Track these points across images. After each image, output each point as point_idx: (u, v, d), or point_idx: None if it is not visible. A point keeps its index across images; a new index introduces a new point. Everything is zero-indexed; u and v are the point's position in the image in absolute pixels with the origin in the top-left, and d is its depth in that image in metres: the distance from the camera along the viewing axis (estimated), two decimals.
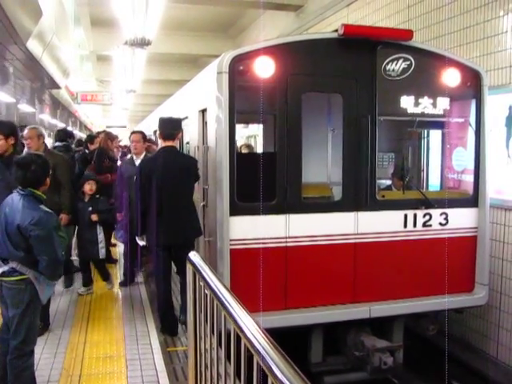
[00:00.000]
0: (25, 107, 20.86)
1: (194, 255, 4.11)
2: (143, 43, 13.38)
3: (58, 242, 4.61)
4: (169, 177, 6.46)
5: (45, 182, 4.78)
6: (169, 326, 6.71)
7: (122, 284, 8.76)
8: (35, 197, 4.63)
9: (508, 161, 7.31)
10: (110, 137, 10.48)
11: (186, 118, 8.32)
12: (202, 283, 3.82)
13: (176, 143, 6.90)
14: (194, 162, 6.78)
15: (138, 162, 8.12)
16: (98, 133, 12.33)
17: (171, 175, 6.47)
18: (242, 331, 2.75)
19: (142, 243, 7.04)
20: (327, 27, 12.71)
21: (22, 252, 4.52)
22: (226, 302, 3.13)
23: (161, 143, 6.87)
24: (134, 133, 9.02)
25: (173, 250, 6.59)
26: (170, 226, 6.47)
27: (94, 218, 7.87)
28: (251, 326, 2.71)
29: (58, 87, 16.78)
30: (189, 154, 7.29)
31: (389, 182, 8.05)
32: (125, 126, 46.62)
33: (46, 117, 27.17)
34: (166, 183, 6.44)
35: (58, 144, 9.77)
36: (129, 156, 9.38)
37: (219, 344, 3.46)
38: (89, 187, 8.00)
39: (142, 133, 8.95)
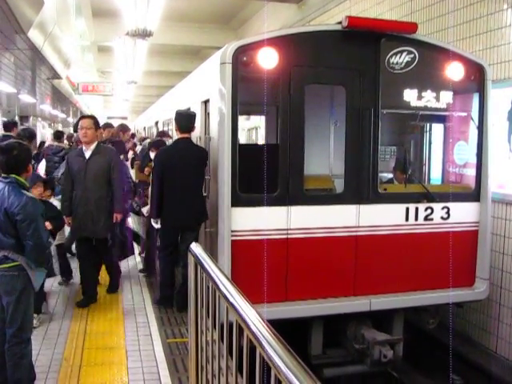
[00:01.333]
0: (26, 97, 20.85)
1: (195, 246, 4.10)
2: (145, 34, 13.31)
3: (43, 228, 4.68)
4: (184, 165, 6.83)
5: (27, 169, 4.83)
6: (167, 298, 7.32)
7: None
8: (19, 184, 4.67)
9: (510, 155, 7.29)
10: (122, 128, 10.38)
11: (189, 108, 8.31)
12: (203, 275, 3.81)
13: (191, 135, 7.22)
14: (206, 151, 7.06)
15: (88, 153, 7.22)
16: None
17: (187, 163, 6.85)
18: (245, 323, 2.74)
19: (157, 226, 7.26)
20: (329, 19, 12.65)
21: (12, 239, 4.56)
22: (228, 293, 3.11)
23: (177, 135, 7.26)
24: (83, 118, 7.63)
25: (181, 233, 7.09)
26: (185, 208, 6.86)
27: (48, 226, 6.55)
28: (254, 318, 2.70)
29: (59, 77, 16.74)
30: (200, 145, 7.33)
31: (391, 175, 8.03)
32: (126, 117, 46.58)
33: (46, 107, 27.17)
34: (182, 170, 6.81)
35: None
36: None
37: (220, 337, 3.45)
38: (37, 192, 6.66)
39: (93, 118, 7.64)
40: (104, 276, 8.15)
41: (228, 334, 3.23)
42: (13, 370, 4.64)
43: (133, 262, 9.49)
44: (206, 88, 7.14)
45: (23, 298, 4.67)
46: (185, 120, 7.13)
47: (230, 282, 3.23)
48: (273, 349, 2.35)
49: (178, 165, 6.84)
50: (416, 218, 6.70)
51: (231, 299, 3.03)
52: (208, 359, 3.78)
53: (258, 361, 2.55)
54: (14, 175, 4.66)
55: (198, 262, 3.88)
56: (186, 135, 7.08)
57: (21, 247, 4.58)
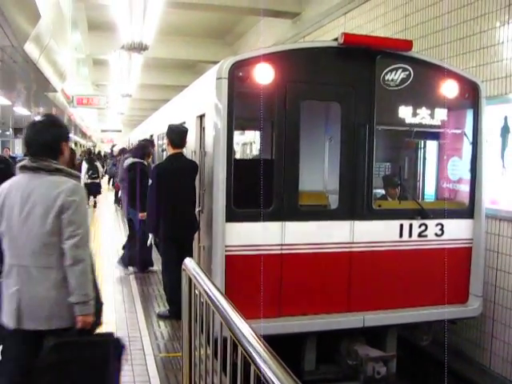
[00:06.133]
0: (20, 110, 20.83)
1: (189, 261, 4.10)
2: (140, 48, 13.31)
3: None
4: (178, 179, 7.00)
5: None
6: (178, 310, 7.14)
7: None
8: None
9: (503, 171, 7.32)
10: None
11: (184, 123, 8.33)
12: (197, 291, 3.80)
13: (183, 150, 7.42)
14: (196, 163, 7.32)
15: None
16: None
17: (180, 177, 7.03)
18: (239, 339, 2.73)
19: (149, 242, 7.60)
20: (324, 35, 12.74)
21: None
22: (222, 309, 3.11)
23: (169, 150, 7.39)
24: None
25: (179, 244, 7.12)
26: (184, 221, 7.04)
27: None
28: (248, 334, 2.69)
29: (54, 90, 16.71)
30: (190, 158, 7.44)
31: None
32: (120, 131, 46.60)
33: None
34: (176, 184, 6.97)
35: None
36: None
37: (214, 352, 3.43)
38: None
39: None
40: None
41: (222, 350, 3.22)
42: None
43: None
44: (202, 103, 7.17)
45: None
46: (178, 135, 7.29)
47: (224, 297, 3.23)
48: (267, 365, 2.33)
49: (176, 179, 6.99)
50: (410, 235, 6.71)
51: (225, 314, 3.03)
52: (201, 375, 3.76)
53: (252, 377, 2.53)
54: None
55: (192, 277, 3.88)
56: (178, 150, 7.27)
57: None
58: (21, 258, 3.74)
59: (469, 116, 7.05)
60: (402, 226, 6.67)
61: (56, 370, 3.59)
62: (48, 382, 3.59)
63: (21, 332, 3.74)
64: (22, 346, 3.76)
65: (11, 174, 4.88)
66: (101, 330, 4.24)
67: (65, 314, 3.75)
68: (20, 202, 3.71)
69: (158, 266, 9.39)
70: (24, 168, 3.83)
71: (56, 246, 3.72)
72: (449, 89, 6.75)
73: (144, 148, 10.12)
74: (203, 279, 3.65)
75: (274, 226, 6.15)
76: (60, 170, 3.85)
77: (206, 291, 3.47)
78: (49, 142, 3.86)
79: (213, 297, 3.32)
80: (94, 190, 19.63)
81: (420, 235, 6.75)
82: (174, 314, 7.22)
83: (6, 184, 3.87)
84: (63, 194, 3.70)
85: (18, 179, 3.82)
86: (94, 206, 20.25)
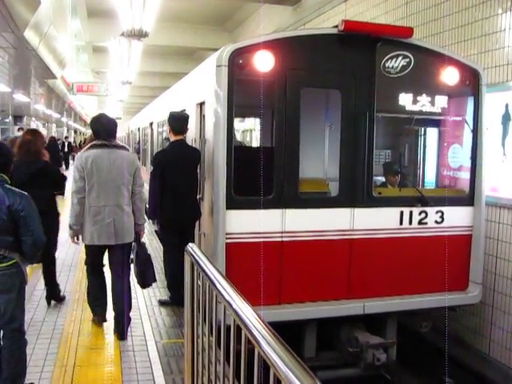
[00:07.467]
0: (20, 97, 20.79)
1: (192, 246, 4.10)
2: (140, 35, 13.25)
3: (40, 223, 4.68)
4: (180, 166, 6.98)
5: (8, 169, 4.86)
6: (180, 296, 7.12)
7: None
8: (6, 182, 4.67)
9: (503, 159, 7.33)
10: None
11: (184, 110, 8.32)
12: (199, 281, 3.80)
13: (185, 137, 7.35)
14: (199, 151, 7.23)
15: None
16: None
17: (182, 164, 6.99)
18: (243, 321, 2.73)
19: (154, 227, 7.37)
20: (325, 22, 12.70)
21: (11, 237, 4.53)
22: (224, 292, 3.11)
23: (171, 137, 7.37)
24: None
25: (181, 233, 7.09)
26: (186, 208, 7.02)
27: None
28: (251, 316, 2.70)
29: (54, 77, 16.68)
30: (193, 146, 7.42)
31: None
32: (120, 118, 46.56)
33: (40, 107, 27.08)
34: (177, 171, 6.95)
35: None
36: None
37: (217, 340, 3.43)
38: None
39: None
40: None
41: (225, 337, 3.23)
42: (16, 364, 4.66)
43: None
44: (202, 90, 7.17)
45: (21, 293, 4.71)
46: (179, 122, 7.24)
47: (227, 281, 3.23)
48: (271, 347, 2.34)
49: (177, 166, 6.96)
50: (410, 222, 6.72)
51: (228, 297, 3.03)
52: (204, 364, 3.77)
53: (257, 359, 2.55)
54: (2, 174, 4.68)
55: (195, 261, 3.89)
56: (180, 137, 7.21)
57: (17, 244, 4.58)
58: (110, 200, 5.94)
59: (469, 103, 7.05)
60: (402, 213, 6.68)
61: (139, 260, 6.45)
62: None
63: (111, 247, 6.11)
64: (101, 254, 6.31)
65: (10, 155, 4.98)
66: None
67: (131, 233, 6.18)
68: (107, 167, 5.90)
69: (159, 253, 9.42)
70: (104, 146, 5.99)
71: (128, 191, 6.05)
72: (449, 76, 6.74)
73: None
74: (206, 264, 3.65)
75: (274, 214, 6.17)
76: (124, 147, 6.42)
77: (209, 276, 3.48)
78: (112, 129, 6.21)
79: (216, 281, 3.32)
80: None
81: (420, 222, 6.77)
82: (175, 301, 7.25)
83: (89, 155, 5.93)
84: (135, 161, 6.23)
85: (98, 152, 5.94)
86: None
